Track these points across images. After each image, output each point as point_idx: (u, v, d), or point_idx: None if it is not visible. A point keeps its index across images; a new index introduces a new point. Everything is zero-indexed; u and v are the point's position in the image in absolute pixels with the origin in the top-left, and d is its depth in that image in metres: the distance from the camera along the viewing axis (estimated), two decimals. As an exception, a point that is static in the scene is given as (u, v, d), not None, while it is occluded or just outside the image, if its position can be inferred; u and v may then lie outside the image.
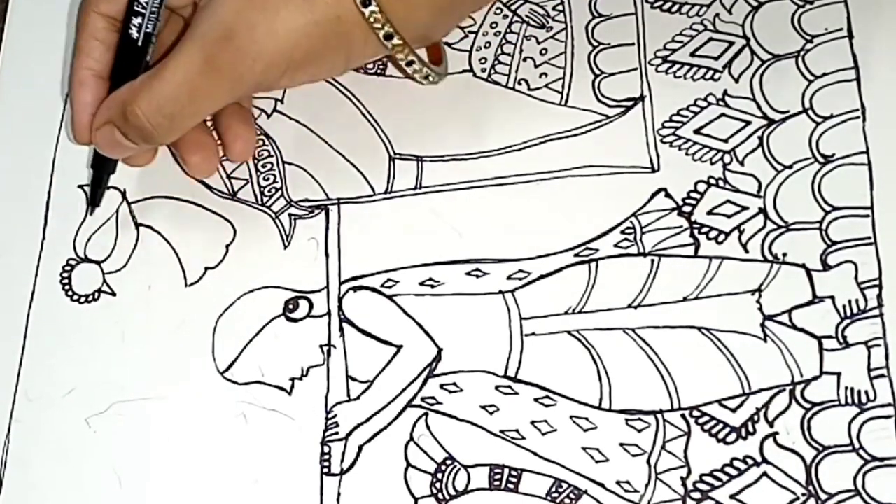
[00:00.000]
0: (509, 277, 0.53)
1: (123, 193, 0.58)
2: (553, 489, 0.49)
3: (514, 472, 0.50)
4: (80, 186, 0.59)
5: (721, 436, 0.48)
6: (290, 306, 0.54)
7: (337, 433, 0.51)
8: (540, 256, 0.53)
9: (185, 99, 0.50)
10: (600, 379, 0.50)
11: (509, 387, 0.51)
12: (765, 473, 0.48)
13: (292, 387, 0.53)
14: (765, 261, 0.51)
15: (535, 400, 0.50)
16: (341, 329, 0.53)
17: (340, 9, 0.49)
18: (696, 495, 0.48)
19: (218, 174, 0.57)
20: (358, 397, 0.52)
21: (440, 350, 0.52)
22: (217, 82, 0.50)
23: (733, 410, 0.49)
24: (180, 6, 0.54)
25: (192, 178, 0.57)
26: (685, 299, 0.51)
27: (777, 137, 0.53)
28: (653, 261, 0.52)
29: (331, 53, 0.51)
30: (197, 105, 0.51)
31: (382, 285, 0.54)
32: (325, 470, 0.51)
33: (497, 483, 0.50)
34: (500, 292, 0.53)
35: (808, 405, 0.48)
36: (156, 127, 0.51)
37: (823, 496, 0.47)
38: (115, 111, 0.52)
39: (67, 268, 0.57)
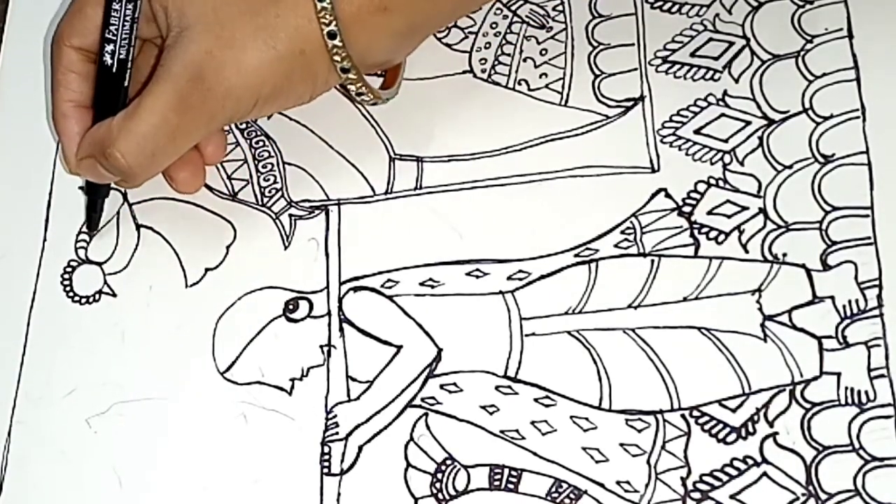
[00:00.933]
0: (509, 278, 0.53)
1: (124, 195, 0.58)
2: (553, 489, 0.49)
3: (514, 472, 0.50)
4: (81, 188, 0.59)
5: (721, 436, 0.48)
6: (291, 307, 0.54)
7: (337, 433, 0.51)
8: (540, 256, 0.53)
9: (164, 138, 0.51)
10: (600, 379, 0.50)
11: (509, 387, 0.51)
12: (765, 473, 0.48)
13: (292, 387, 0.53)
14: (765, 261, 0.51)
15: (535, 400, 0.50)
16: (341, 329, 0.53)
17: (303, 43, 0.50)
18: (696, 495, 0.48)
19: (218, 175, 0.58)
20: (358, 397, 0.52)
21: (440, 350, 0.52)
22: (191, 121, 0.51)
23: (733, 410, 0.49)
24: (152, 36, 0.55)
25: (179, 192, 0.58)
26: (685, 299, 0.51)
27: (777, 137, 0.53)
28: (653, 261, 0.52)
29: (296, 85, 0.52)
30: (174, 143, 0.52)
31: (382, 285, 0.54)
32: (325, 470, 0.51)
33: (497, 483, 0.50)
34: (500, 292, 0.53)
35: (808, 405, 0.48)
36: (135, 166, 0.52)
37: (823, 496, 0.47)
38: (95, 149, 0.53)
39: (68, 269, 0.57)
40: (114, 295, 0.56)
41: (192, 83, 0.51)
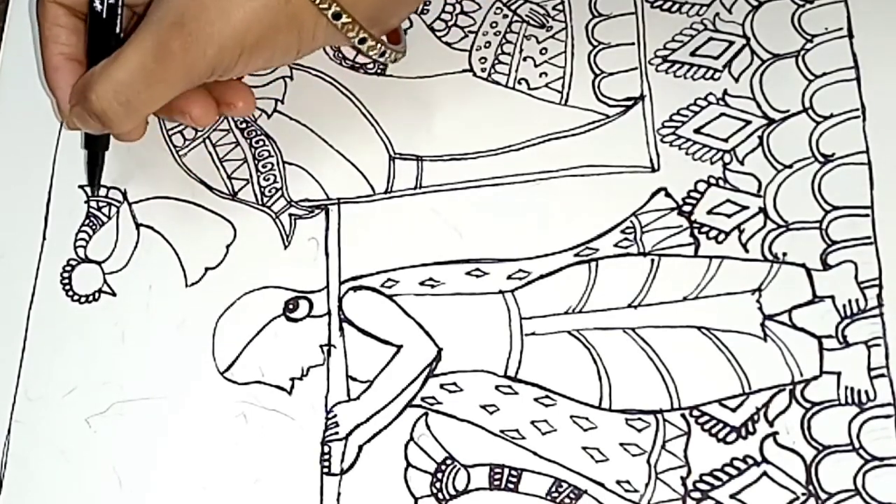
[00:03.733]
0: (509, 277, 0.53)
1: (124, 194, 0.58)
2: (553, 489, 0.49)
3: (514, 472, 0.50)
4: (81, 187, 0.59)
5: (721, 435, 0.48)
6: (290, 306, 0.54)
7: (337, 433, 0.51)
8: (540, 256, 0.53)
9: (141, 85, 0.51)
10: (600, 379, 0.50)
11: (509, 386, 0.51)
12: (765, 473, 0.48)
13: (292, 387, 0.53)
14: (765, 260, 0.51)
15: (535, 400, 0.50)
16: (341, 329, 0.53)
17: None
18: (696, 495, 0.48)
19: (218, 175, 0.58)
20: (358, 397, 0.52)
21: (440, 350, 0.52)
22: (171, 67, 0.50)
23: (733, 410, 0.49)
24: (138, 3, 0.55)
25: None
26: (685, 299, 0.51)
27: (777, 137, 0.53)
28: (653, 260, 0.52)
29: (283, 36, 0.51)
30: (153, 91, 0.51)
31: (382, 285, 0.54)
32: (326, 470, 0.51)
33: (497, 483, 0.50)
34: (500, 292, 0.53)
35: (808, 405, 0.48)
36: (110, 112, 0.51)
37: (823, 496, 0.47)
38: (80, 94, 0.52)
39: (68, 268, 0.57)
40: (113, 294, 0.56)
41: (172, 29, 0.50)
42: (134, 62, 0.50)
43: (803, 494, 0.47)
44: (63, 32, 0.55)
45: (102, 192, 0.58)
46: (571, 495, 0.49)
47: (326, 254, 0.55)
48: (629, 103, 0.55)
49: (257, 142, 0.58)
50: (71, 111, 0.54)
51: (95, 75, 0.52)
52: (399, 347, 0.52)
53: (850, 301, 0.49)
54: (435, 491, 0.50)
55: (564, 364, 0.51)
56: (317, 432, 0.52)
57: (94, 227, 0.58)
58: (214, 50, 0.50)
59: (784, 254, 0.51)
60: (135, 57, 0.50)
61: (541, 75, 0.57)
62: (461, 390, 0.51)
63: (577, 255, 0.53)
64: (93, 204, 0.58)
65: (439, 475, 0.50)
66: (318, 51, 0.54)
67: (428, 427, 0.51)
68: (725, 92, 0.54)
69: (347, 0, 0.51)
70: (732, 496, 0.48)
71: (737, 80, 0.54)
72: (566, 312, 0.52)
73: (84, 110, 0.52)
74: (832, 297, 0.49)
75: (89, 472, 0.53)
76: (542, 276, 0.53)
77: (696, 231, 0.52)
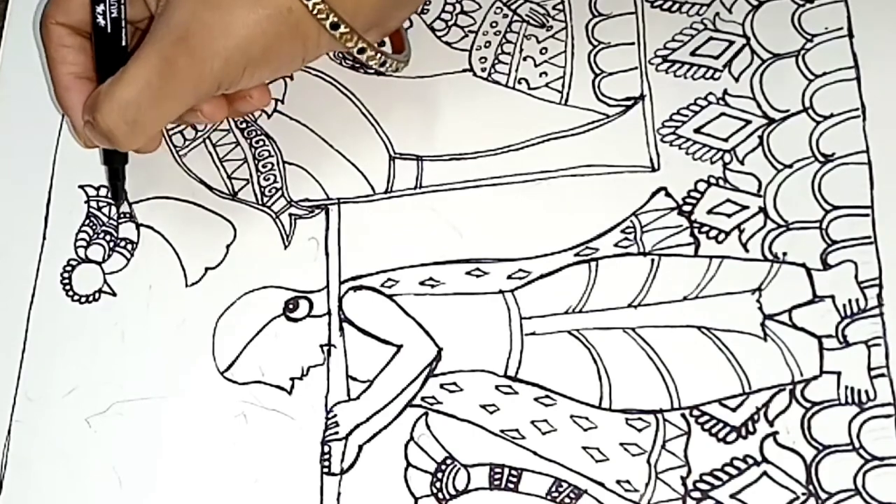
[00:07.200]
0: (509, 277, 0.53)
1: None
2: (553, 489, 0.49)
3: (514, 472, 0.50)
4: (81, 186, 0.59)
5: (721, 435, 0.48)
6: (291, 306, 0.54)
7: (337, 433, 0.51)
8: (540, 256, 0.53)
9: (147, 103, 0.50)
10: (600, 378, 0.50)
11: (509, 386, 0.51)
12: (765, 473, 0.48)
13: (292, 386, 0.53)
14: (765, 260, 0.51)
15: (536, 399, 0.50)
16: (341, 329, 0.53)
17: (290, 2, 0.50)
18: (697, 495, 0.48)
19: (218, 174, 0.58)
20: (358, 397, 0.52)
21: (440, 350, 0.52)
22: (177, 84, 0.50)
23: (733, 410, 0.49)
24: (139, 19, 0.55)
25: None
26: (685, 299, 0.51)
27: (777, 136, 0.53)
28: (653, 260, 0.52)
29: (287, 46, 0.51)
30: (160, 108, 0.51)
31: (382, 285, 0.54)
32: (326, 469, 0.51)
33: (497, 483, 0.50)
34: (501, 292, 0.53)
35: (808, 404, 0.48)
36: (117, 132, 0.51)
37: (823, 496, 0.47)
38: (87, 114, 0.52)
39: (68, 268, 0.57)
40: (114, 294, 0.56)
41: (176, 45, 0.49)
42: (139, 80, 0.50)
43: (803, 494, 0.47)
44: (70, 53, 0.54)
45: (103, 192, 0.58)
46: (571, 495, 0.49)
47: (326, 254, 0.55)
48: (629, 103, 0.55)
49: (257, 142, 0.58)
50: (84, 129, 0.53)
51: (102, 95, 0.51)
52: (399, 347, 0.52)
53: (850, 301, 0.49)
54: (435, 491, 0.50)
55: (564, 364, 0.51)
56: (317, 432, 0.52)
57: (94, 227, 0.58)
58: (220, 64, 0.50)
59: (784, 253, 0.51)
60: (140, 75, 0.50)
61: (541, 75, 0.57)
62: (461, 390, 0.51)
63: (577, 254, 0.53)
64: (93, 204, 0.58)
65: (439, 475, 0.50)
66: (318, 51, 0.54)
67: (428, 427, 0.51)
68: (725, 92, 0.54)
69: (348, 8, 0.51)
70: (732, 496, 0.48)
71: (737, 79, 0.54)
72: (566, 312, 0.52)
73: (92, 130, 0.52)
74: (832, 297, 0.49)
75: (89, 472, 0.53)
76: (542, 276, 0.53)
77: (696, 231, 0.52)
